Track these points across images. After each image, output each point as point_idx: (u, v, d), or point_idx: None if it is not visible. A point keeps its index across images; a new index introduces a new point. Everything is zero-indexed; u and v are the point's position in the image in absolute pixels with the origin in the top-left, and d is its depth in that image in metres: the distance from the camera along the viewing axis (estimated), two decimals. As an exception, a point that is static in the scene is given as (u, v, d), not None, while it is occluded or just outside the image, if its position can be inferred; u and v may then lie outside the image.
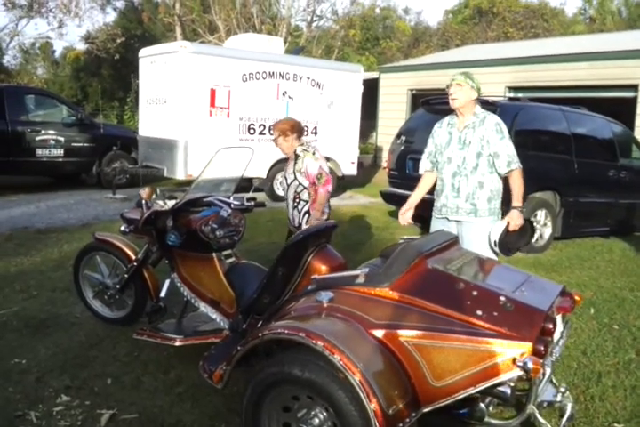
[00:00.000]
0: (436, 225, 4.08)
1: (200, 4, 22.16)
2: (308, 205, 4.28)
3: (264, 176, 9.91)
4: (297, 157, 4.27)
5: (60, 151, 9.97)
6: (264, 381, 2.35)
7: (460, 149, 3.89)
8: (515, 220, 3.84)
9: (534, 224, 4.22)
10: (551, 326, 2.22)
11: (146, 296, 3.89)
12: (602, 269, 6.29)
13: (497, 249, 3.82)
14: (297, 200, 4.32)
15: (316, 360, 2.20)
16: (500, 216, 3.98)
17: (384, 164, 12.45)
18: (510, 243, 3.91)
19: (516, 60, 13.80)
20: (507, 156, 3.82)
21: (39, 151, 9.72)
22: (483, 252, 3.63)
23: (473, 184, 3.87)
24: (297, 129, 4.28)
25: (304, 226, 4.11)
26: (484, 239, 3.87)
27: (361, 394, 2.07)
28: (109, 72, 28.04)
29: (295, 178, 4.28)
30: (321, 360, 2.18)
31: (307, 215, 4.27)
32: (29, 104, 10.16)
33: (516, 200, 3.87)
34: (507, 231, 3.83)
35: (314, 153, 4.26)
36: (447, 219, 4.01)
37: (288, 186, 4.37)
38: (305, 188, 4.27)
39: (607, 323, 4.54)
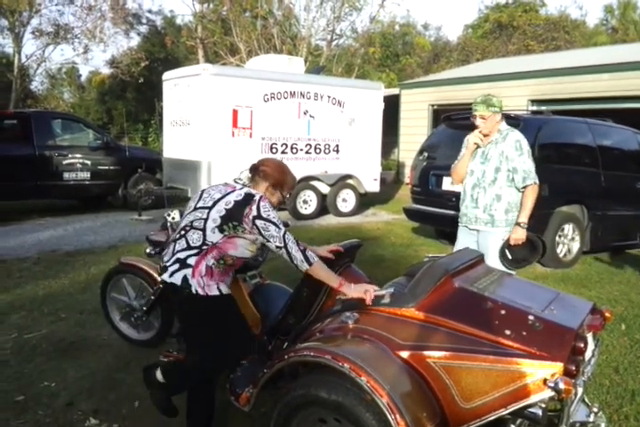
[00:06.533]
0: (459, 233, 4.36)
1: (221, 26, 22.50)
2: None
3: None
4: None
5: (87, 174, 10.16)
6: (291, 403, 2.33)
7: (482, 164, 4.12)
8: (515, 235, 4.01)
9: (544, 241, 4.37)
10: (582, 345, 2.17)
11: (172, 318, 3.90)
12: (632, 283, 6.16)
13: (500, 261, 4.01)
14: None
15: (342, 382, 2.18)
16: None
17: (406, 180, 12.42)
18: (517, 257, 4.05)
19: (538, 73, 13.74)
20: (523, 171, 3.99)
21: (66, 175, 9.90)
22: (495, 261, 3.96)
23: (490, 196, 4.07)
24: None
25: None
26: (498, 249, 4.07)
27: (389, 417, 2.04)
28: (134, 95, 28.56)
29: None
30: (348, 382, 2.16)
31: None
32: (56, 129, 10.36)
33: (522, 216, 4.05)
34: (509, 245, 4.00)
35: None
36: (467, 227, 4.23)
37: None
38: None
39: (639, 339, 4.44)
